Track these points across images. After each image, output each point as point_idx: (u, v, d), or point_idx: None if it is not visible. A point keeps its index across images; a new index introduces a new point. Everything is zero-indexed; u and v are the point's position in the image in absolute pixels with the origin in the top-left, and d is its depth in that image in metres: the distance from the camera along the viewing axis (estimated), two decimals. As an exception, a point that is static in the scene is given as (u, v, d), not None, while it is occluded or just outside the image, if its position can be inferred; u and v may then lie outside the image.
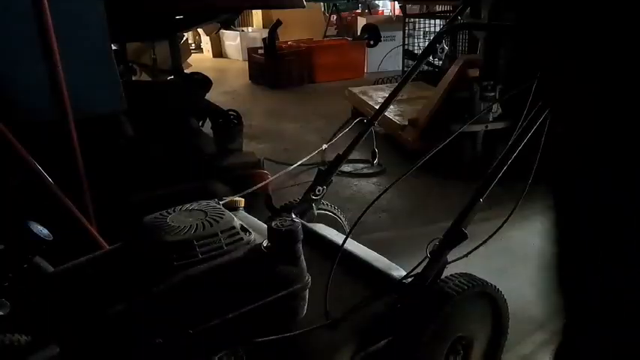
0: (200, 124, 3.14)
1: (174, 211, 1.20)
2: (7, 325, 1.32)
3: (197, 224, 1.12)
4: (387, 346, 1.27)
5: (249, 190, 1.59)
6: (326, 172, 1.85)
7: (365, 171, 3.32)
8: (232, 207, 1.31)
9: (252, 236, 1.19)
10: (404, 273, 1.42)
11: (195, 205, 1.21)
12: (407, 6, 6.14)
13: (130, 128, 2.45)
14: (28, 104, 1.71)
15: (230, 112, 2.89)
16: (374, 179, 3.23)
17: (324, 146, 2.07)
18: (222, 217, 1.16)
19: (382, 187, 3.09)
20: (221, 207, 1.23)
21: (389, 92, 4.52)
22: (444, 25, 2.08)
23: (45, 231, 1.42)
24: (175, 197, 1.41)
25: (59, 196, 1.65)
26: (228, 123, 2.81)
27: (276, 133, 4.31)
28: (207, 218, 1.15)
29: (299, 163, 1.89)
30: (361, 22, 7.51)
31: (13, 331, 1.29)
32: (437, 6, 5.99)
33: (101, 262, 1.16)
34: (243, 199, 1.40)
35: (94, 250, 1.66)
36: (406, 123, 3.45)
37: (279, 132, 4.34)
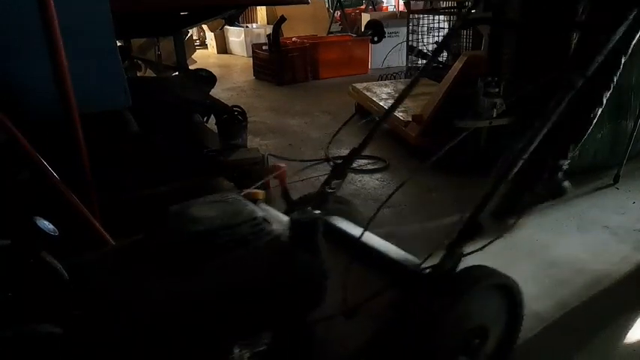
0: (204, 120, 3.15)
1: (197, 202, 1.22)
2: (24, 315, 1.34)
3: (221, 215, 1.15)
4: (403, 336, 1.29)
5: (255, 183, 1.60)
6: (342, 165, 1.86)
7: (369, 167, 3.32)
8: (252, 199, 1.33)
9: (274, 227, 1.22)
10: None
11: (217, 197, 1.25)
12: (411, 2, 6.13)
13: (135, 124, 2.46)
14: (34, 102, 1.72)
15: (234, 108, 2.90)
16: (378, 175, 3.23)
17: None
18: (244, 209, 1.19)
19: (386, 183, 3.09)
20: (243, 199, 1.25)
21: (393, 88, 4.54)
22: (458, 20, 2.09)
23: (51, 226, 1.43)
24: (179, 193, 1.42)
25: (65, 192, 1.66)
26: (233, 119, 2.82)
27: (281, 129, 4.32)
28: (230, 209, 1.18)
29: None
30: (365, 18, 7.49)
31: (31, 320, 1.31)
32: (441, 2, 5.98)
33: (127, 251, 1.17)
34: (263, 192, 1.43)
35: (99, 245, 1.68)
36: (410, 119, 3.45)
37: (284, 128, 4.34)
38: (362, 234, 1.50)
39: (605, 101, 2.38)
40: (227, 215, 1.15)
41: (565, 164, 2.59)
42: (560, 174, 2.62)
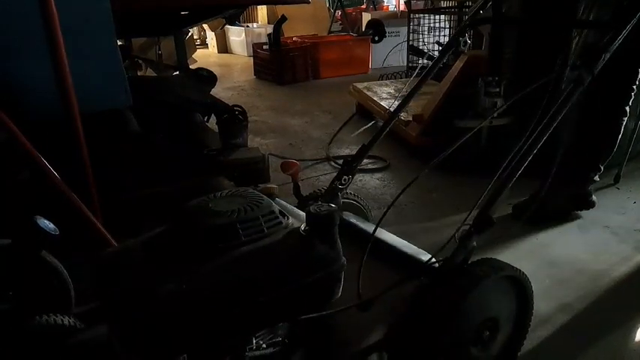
0: (205, 119, 3.15)
1: (214, 196, 1.23)
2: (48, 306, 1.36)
3: (239, 209, 1.16)
4: (417, 327, 1.32)
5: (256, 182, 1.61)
6: (352, 161, 1.87)
7: (369, 166, 3.32)
8: (267, 194, 1.34)
9: (290, 220, 1.24)
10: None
11: (234, 192, 1.25)
12: (412, 2, 6.13)
13: (135, 124, 2.46)
14: (35, 102, 1.72)
15: (235, 108, 2.90)
16: (378, 174, 3.23)
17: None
18: (261, 202, 1.20)
19: (386, 183, 3.09)
20: (259, 193, 1.27)
21: (393, 88, 4.53)
22: (467, 19, 2.08)
23: (51, 225, 1.43)
24: (180, 193, 1.42)
25: (66, 192, 1.66)
26: (233, 118, 2.82)
27: (281, 128, 4.32)
28: (248, 203, 1.19)
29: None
30: (366, 17, 7.49)
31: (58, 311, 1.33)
32: (442, 2, 5.98)
33: (148, 244, 1.18)
34: (277, 187, 1.44)
35: (100, 245, 1.69)
36: (410, 119, 3.45)
37: (284, 127, 4.34)
38: (375, 228, 1.53)
39: (628, 110, 2.35)
40: (245, 208, 1.16)
41: (596, 176, 2.56)
42: (590, 187, 2.58)
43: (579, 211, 2.58)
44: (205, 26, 9.20)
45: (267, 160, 2.68)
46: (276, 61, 6.12)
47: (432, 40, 5.86)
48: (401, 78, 5.37)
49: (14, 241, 1.46)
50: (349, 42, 6.75)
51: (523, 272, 1.47)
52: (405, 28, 5.96)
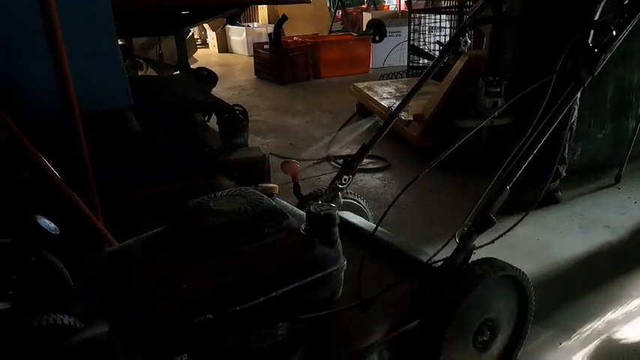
0: (206, 119, 3.15)
1: (215, 196, 1.23)
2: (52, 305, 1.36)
3: (239, 208, 1.16)
4: (417, 327, 1.32)
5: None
6: (352, 161, 1.87)
7: (370, 166, 3.32)
8: (268, 193, 1.34)
9: (290, 220, 1.23)
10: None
11: (234, 191, 1.25)
12: (412, 1, 6.13)
13: (136, 124, 2.46)
14: (36, 102, 1.72)
15: (235, 107, 2.90)
16: (379, 174, 3.23)
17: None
18: (262, 202, 1.20)
19: (387, 182, 3.09)
20: (259, 193, 1.27)
21: (394, 88, 4.53)
22: (467, 19, 2.08)
23: (52, 225, 1.43)
24: (180, 193, 1.42)
25: (66, 192, 1.66)
26: (234, 118, 2.82)
27: (282, 128, 4.32)
28: (248, 203, 1.19)
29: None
30: (366, 17, 7.50)
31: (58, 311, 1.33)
32: (442, 1, 5.98)
33: (148, 244, 1.18)
34: (277, 186, 1.44)
35: (101, 244, 1.69)
36: (411, 118, 3.45)
37: (285, 127, 4.34)
38: (376, 228, 1.53)
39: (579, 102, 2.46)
40: (246, 208, 1.17)
41: (563, 170, 2.63)
42: (556, 182, 2.64)
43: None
44: (206, 26, 9.20)
45: (268, 159, 2.68)
46: (277, 61, 6.12)
47: (432, 39, 5.86)
48: (402, 78, 5.36)
49: (15, 240, 1.46)
50: (350, 42, 6.75)
51: (523, 272, 1.47)
52: (406, 28, 5.96)
